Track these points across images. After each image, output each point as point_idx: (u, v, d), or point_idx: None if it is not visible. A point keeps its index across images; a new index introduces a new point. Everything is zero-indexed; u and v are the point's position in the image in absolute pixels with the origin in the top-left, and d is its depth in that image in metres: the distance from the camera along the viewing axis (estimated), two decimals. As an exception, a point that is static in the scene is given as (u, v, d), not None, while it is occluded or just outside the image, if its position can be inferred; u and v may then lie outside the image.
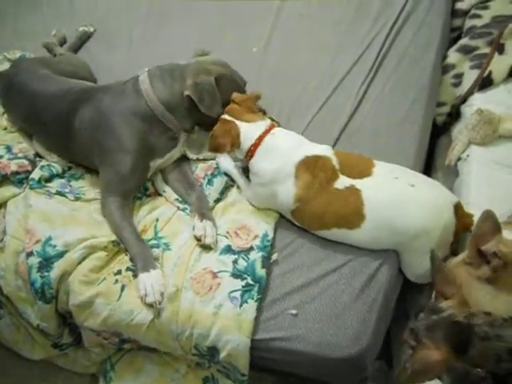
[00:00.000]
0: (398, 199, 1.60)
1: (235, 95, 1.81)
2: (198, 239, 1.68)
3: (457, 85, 2.19)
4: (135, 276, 1.64)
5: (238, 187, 1.84)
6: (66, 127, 1.84)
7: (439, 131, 2.22)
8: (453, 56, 2.23)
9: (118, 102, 1.80)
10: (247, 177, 1.81)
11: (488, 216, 1.38)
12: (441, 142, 2.21)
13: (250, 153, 1.72)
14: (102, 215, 1.78)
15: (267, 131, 1.73)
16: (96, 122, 1.79)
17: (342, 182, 1.63)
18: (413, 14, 2.32)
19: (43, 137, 1.98)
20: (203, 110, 1.78)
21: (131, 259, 1.68)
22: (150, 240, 1.73)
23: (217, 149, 1.76)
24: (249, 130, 1.73)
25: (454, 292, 1.33)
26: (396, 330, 1.80)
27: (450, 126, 2.18)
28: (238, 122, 1.74)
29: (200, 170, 1.90)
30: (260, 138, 1.71)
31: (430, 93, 2.06)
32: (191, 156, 1.93)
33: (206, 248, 1.68)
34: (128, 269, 1.67)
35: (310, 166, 1.65)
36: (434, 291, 1.37)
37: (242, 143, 1.73)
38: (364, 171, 1.65)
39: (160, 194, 1.89)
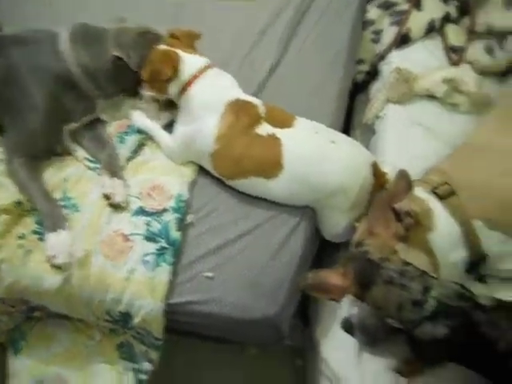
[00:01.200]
0: (318, 153, 1.60)
1: (175, 29, 1.75)
2: (107, 197, 1.61)
3: (376, 41, 2.17)
4: (41, 239, 1.55)
5: (156, 141, 1.77)
6: None
7: (358, 89, 2.21)
8: (373, 12, 2.20)
9: (32, 58, 1.67)
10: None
11: (402, 175, 1.39)
12: (359, 100, 2.20)
13: (188, 85, 1.66)
14: (7, 176, 1.65)
15: (208, 66, 1.70)
16: (4, 78, 1.66)
17: (264, 128, 1.62)
18: (334, -33, 2.25)
19: None
20: (132, 67, 1.69)
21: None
22: (58, 201, 1.63)
23: (156, 75, 1.65)
24: (190, 61, 1.68)
25: (381, 232, 1.35)
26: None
27: (368, 84, 2.17)
28: (178, 51, 1.68)
29: (112, 128, 1.80)
30: (201, 71, 1.67)
31: (351, 50, 2.03)
32: (105, 118, 1.84)
33: (116, 207, 1.61)
34: (34, 232, 1.57)
35: (238, 108, 1.64)
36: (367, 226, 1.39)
37: (181, 73, 1.66)
38: (286, 122, 1.65)
39: (69, 153, 1.77)
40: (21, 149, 1.66)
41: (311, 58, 1.99)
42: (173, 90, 1.69)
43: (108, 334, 1.68)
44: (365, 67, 2.17)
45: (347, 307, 1.48)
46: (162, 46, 1.69)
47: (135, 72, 1.70)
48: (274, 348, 1.90)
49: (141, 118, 1.78)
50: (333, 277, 1.30)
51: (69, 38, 1.70)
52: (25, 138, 1.67)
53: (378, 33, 2.17)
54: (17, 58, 1.66)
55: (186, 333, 1.67)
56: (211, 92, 1.67)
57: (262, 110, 1.66)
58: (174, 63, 1.65)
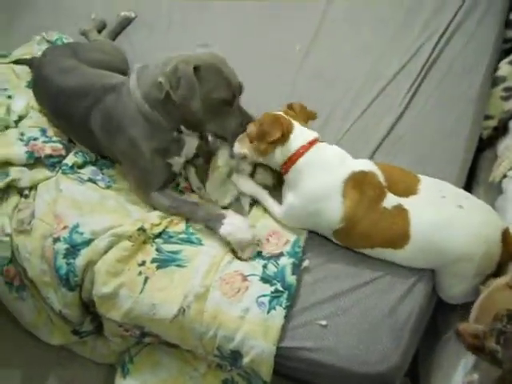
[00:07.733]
0: (445, 221, 1.53)
1: (295, 103, 1.71)
2: (234, 252, 1.65)
3: (506, 98, 2.10)
4: (159, 267, 1.62)
5: (266, 208, 1.74)
6: (85, 127, 1.81)
7: (483, 145, 2.14)
8: (504, 68, 2.14)
9: (118, 102, 1.72)
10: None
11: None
12: (485, 156, 2.12)
13: (295, 156, 1.62)
14: (153, 209, 1.77)
15: (314, 141, 1.64)
16: (106, 127, 1.76)
17: (390, 200, 1.56)
18: (464, 23, 2.22)
19: (69, 131, 1.95)
20: (175, 99, 1.59)
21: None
22: (181, 234, 1.70)
23: (264, 135, 1.60)
24: (301, 132, 1.64)
25: None
26: (425, 348, 1.74)
27: (495, 140, 2.09)
28: (291, 119, 1.65)
29: None
30: (310, 143, 1.62)
31: (478, 106, 1.99)
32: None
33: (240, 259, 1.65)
34: (154, 260, 1.64)
35: (358, 182, 1.57)
36: None
37: (290, 141, 1.63)
38: (410, 188, 1.58)
39: (193, 191, 1.85)
40: (148, 185, 1.76)
41: (436, 113, 1.97)
42: (277, 156, 1.65)
43: (214, 369, 1.70)
44: (492, 123, 2.10)
45: (463, 371, 1.41)
46: (277, 112, 1.67)
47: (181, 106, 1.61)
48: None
49: (247, 183, 1.76)
50: None
51: (136, 73, 1.71)
52: (143, 176, 1.76)
53: (509, 90, 2.11)
54: (109, 105, 1.74)
55: (291, 378, 1.65)
56: (320, 174, 1.60)
57: (381, 177, 1.59)
58: (285, 128, 1.61)
